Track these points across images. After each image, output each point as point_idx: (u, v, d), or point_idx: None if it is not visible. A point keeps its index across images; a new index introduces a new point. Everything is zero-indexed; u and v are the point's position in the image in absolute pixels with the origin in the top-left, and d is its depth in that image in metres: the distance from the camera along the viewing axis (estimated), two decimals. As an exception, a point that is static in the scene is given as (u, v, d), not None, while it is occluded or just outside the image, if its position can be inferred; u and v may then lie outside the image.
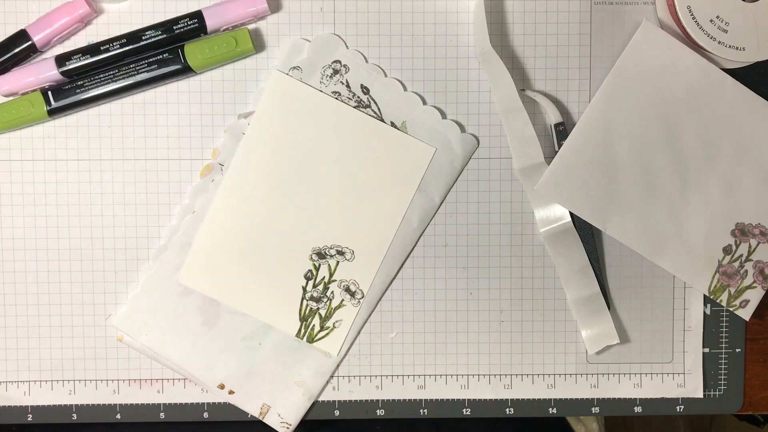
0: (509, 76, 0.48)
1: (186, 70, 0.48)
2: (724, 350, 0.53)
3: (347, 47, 0.50)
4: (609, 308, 0.51)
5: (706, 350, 0.53)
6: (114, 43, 0.48)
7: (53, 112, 0.48)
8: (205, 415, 0.52)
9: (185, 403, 0.51)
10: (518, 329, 0.52)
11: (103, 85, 0.48)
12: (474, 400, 0.52)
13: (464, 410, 0.52)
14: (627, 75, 0.49)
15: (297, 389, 0.51)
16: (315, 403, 0.52)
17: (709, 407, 0.53)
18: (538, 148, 0.49)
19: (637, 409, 0.53)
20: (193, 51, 0.48)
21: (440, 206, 0.51)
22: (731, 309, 0.51)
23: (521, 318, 0.52)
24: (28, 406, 0.51)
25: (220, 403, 0.51)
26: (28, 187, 0.50)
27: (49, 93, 0.48)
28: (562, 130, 0.50)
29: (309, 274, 0.50)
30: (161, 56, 0.48)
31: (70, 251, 0.50)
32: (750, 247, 0.50)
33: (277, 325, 0.50)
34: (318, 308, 0.50)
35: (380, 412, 0.52)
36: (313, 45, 0.49)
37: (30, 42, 0.47)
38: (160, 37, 0.48)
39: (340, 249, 0.50)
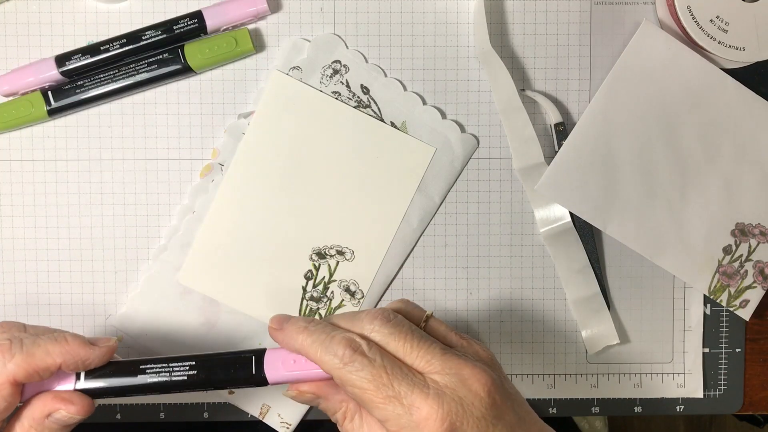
0: (509, 76, 0.48)
1: (186, 70, 0.48)
2: (724, 350, 0.53)
3: (347, 47, 0.50)
4: (609, 308, 0.51)
5: (706, 350, 0.53)
6: (114, 43, 0.48)
7: (53, 112, 0.48)
8: (205, 415, 0.52)
9: (185, 403, 0.51)
10: (518, 329, 0.52)
11: (103, 85, 0.48)
12: (474, 400, 0.52)
13: (464, 410, 0.52)
14: (627, 75, 0.49)
15: (297, 389, 0.51)
16: (315, 403, 0.52)
17: (709, 407, 0.53)
18: (538, 148, 0.49)
19: (637, 409, 0.53)
20: (193, 51, 0.48)
21: (440, 206, 0.51)
22: (731, 309, 0.51)
23: (521, 318, 0.52)
24: (28, 406, 0.51)
25: (220, 403, 0.51)
26: (28, 187, 0.50)
27: (49, 93, 0.48)
28: (562, 130, 0.50)
29: (309, 274, 0.50)
30: (161, 56, 0.48)
31: (70, 251, 0.50)
32: (750, 247, 0.50)
33: (277, 325, 0.50)
34: (318, 308, 0.50)
35: (380, 412, 0.52)
36: (313, 45, 0.49)
37: None
38: (160, 37, 0.48)
39: (340, 249, 0.50)
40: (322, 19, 0.50)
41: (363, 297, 0.51)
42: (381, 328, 0.36)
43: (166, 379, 0.38)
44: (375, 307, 0.51)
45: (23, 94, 0.48)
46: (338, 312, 0.51)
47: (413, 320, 0.38)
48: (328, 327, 0.37)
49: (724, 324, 0.53)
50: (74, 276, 0.50)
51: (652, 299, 0.52)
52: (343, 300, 0.50)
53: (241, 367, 0.38)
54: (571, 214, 0.50)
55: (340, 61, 0.49)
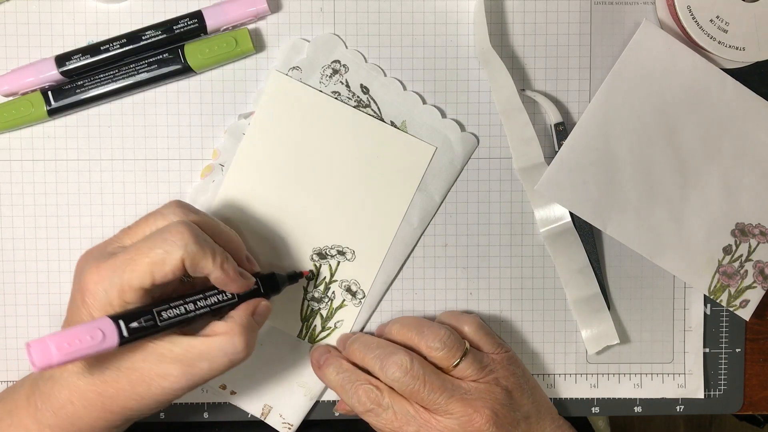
0: (509, 76, 0.48)
1: (186, 70, 0.48)
2: (724, 350, 0.53)
3: (347, 47, 0.50)
4: (609, 308, 0.51)
5: (707, 350, 0.53)
6: (114, 43, 0.48)
7: (53, 112, 0.48)
8: (205, 415, 0.52)
9: (185, 403, 0.51)
10: (518, 329, 0.52)
11: (103, 85, 0.48)
12: (474, 400, 0.52)
13: (464, 410, 0.52)
14: (627, 75, 0.49)
15: (298, 390, 0.51)
16: (317, 404, 0.52)
17: (709, 407, 0.53)
18: (538, 148, 0.49)
19: (637, 409, 0.53)
20: (193, 51, 0.48)
21: (440, 205, 0.51)
22: (731, 309, 0.51)
23: (521, 318, 0.52)
24: (28, 407, 0.51)
25: (220, 403, 0.51)
26: (28, 187, 0.50)
27: (49, 93, 0.48)
28: (562, 130, 0.50)
29: (310, 274, 0.50)
30: (161, 56, 0.48)
31: (70, 251, 0.50)
32: (750, 247, 0.50)
33: (279, 325, 0.50)
34: (319, 308, 0.50)
35: (380, 412, 0.52)
36: (312, 45, 0.49)
37: None
38: (160, 37, 0.48)
39: (340, 249, 0.50)
40: (322, 19, 0.50)
41: (364, 297, 0.50)
42: (401, 378, 0.44)
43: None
44: (376, 307, 0.51)
45: (23, 94, 0.48)
46: (339, 311, 0.50)
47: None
48: (354, 374, 0.46)
49: (724, 324, 0.53)
50: (74, 276, 0.50)
51: (652, 299, 0.52)
52: (344, 300, 0.50)
53: None
54: (571, 214, 0.50)
55: (339, 61, 0.49)
